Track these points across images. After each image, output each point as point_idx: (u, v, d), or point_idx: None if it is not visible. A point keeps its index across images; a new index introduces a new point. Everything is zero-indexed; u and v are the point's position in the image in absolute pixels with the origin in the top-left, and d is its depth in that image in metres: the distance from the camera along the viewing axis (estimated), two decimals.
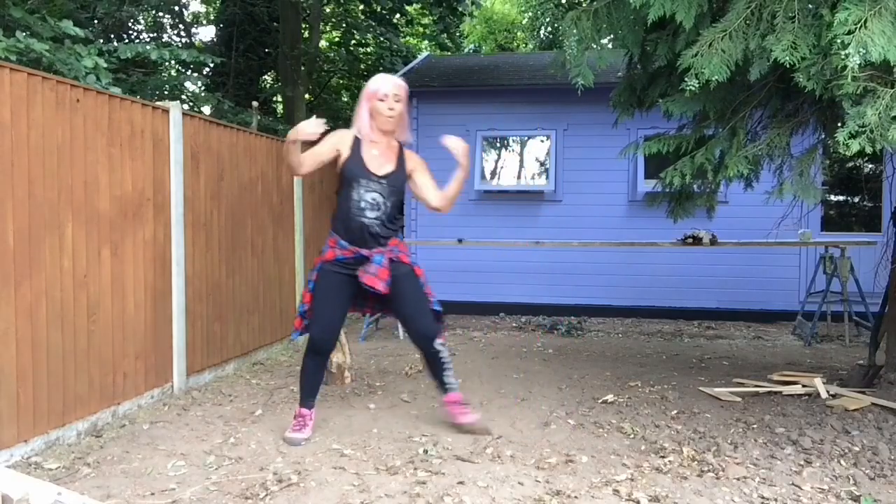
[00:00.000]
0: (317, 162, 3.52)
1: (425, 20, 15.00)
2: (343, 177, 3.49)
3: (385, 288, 3.46)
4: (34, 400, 3.31)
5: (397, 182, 3.52)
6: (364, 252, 3.46)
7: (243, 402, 4.29)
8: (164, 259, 4.33)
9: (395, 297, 3.56)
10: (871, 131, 2.67)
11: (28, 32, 5.26)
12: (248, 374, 5.06)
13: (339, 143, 3.51)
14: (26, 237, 3.27)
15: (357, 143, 3.51)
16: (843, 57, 2.57)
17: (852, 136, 2.69)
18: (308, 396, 3.61)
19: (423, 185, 3.64)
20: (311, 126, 3.28)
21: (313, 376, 3.61)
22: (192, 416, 3.99)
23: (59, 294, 3.47)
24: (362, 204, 3.44)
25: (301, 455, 3.33)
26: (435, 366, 3.65)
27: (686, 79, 2.99)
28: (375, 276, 3.44)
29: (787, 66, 2.83)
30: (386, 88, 3.44)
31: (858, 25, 2.57)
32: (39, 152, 3.35)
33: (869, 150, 2.68)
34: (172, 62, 9.52)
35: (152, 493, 2.89)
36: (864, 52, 2.54)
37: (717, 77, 2.95)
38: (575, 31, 3.42)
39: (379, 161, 3.50)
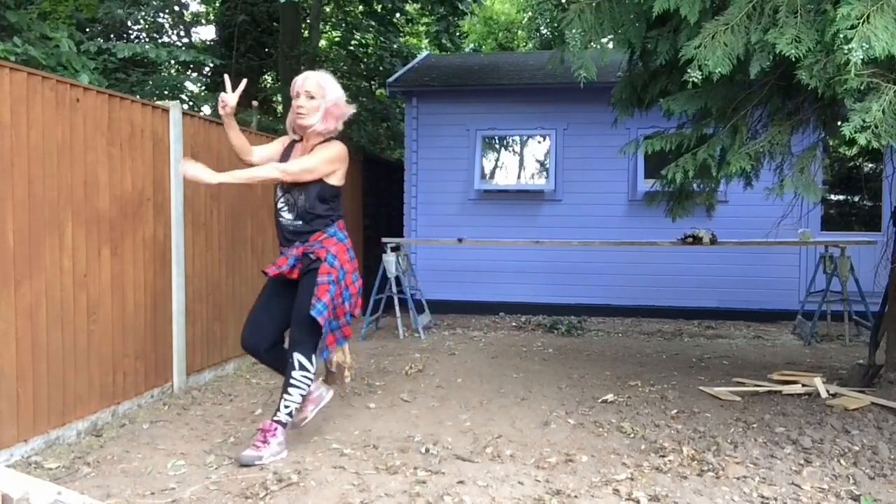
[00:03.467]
0: (263, 158, 3.49)
1: (425, 19, 14.99)
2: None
3: (275, 271, 3.36)
4: (34, 399, 3.31)
5: (299, 183, 3.36)
6: (283, 251, 3.43)
7: (243, 402, 4.29)
8: (164, 259, 4.33)
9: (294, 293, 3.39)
10: (876, 126, 2.67)
11: (23, 39, 5.26)
12: (248, 374, 5.06)
13: (277, 145, 3.55)
14: (26, 237, 3.27)
15: (291, 146, 3.52)
16: (845, 52, 2.57)
17: (858, 130, 2.69)
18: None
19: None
20: (227, 95, 3.33)
21: (273, 370, 3.56)
22: (192, 416, 3.99)
23: (59, 294, 3.47)
24: (279, 205, 3.42)
25: (301, 455, 3.33)
26: (284, 380, 3.33)
27: (689, 70, 2.98)
28: (274, 266, 3.39)
29: (792, 59, 2.83)
30: (297, 86, 3.39)
31: (861, 20, 2.58)
32: (39, 152, 3.35)
33: (875, 145, 2.68)
34: (172, 62, 9.52)
35: (152, 493, 2.89)
36: (867, 47, 2.54)
37: (719, 69, 2.95)
38: (578, 23, 3.41)
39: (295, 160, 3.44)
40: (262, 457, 3.19)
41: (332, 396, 3.68)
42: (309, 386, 3.35)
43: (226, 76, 3.51)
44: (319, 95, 3.37)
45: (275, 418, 3.31)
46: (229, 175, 3.25)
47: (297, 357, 3.28)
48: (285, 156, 3.49)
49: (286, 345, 3.41)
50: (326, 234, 3.38)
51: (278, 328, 3.48)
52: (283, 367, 3.39)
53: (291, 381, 3.28)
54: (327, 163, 3.35)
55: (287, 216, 3.40)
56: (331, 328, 3.35)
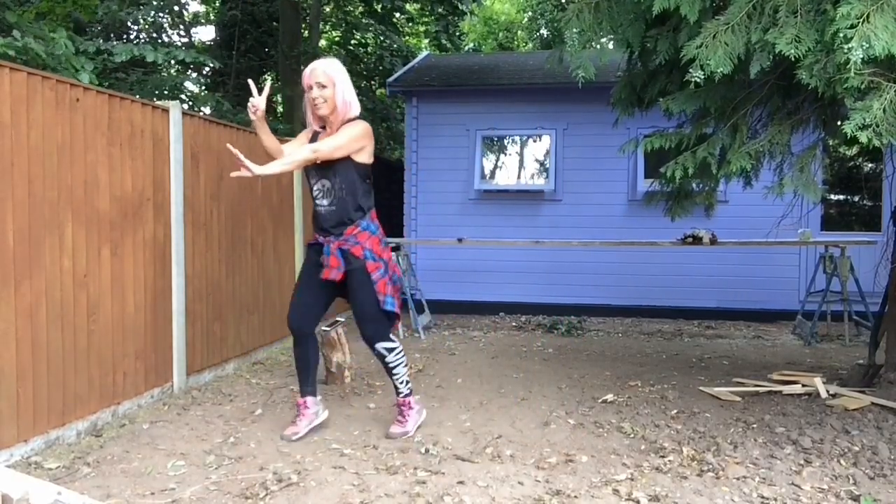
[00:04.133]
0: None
1: (425, 19, 14.99)
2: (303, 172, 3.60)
3: (337, 275, 3.45)
4: (34, 400, 3.31)
5: (333, 165, 3.45)
6: (321, 240, 3.52)
7: (243, 402, 4.29)
8: (164, 259, 4.33)
9: (347, 292, 3.55)
10: (877, 125, 2.67)
11: (22, 34, 5.24)
12: (248, 374, 5.06)
13: (303, 138, 3.64)
14: (26, 237, 3.26)
15: (314, 136, 3.61)
16: (845, 51, 2.57)
17: (859, 128, 2.69)
18: (301, 384, 3.68)
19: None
20: (256, 99, 3.42)
21: (301, 362, 3.66)
22: (192, 416, 3.99)
23: (59, 294, 3.47)
24: (315, 192, 3.53)
25: (301, 455, 3.33)
26: (384, 367, 3.64)
27: (690, 69, 2.98)
28: (326, 268, 3.46)
29: (792, 59, 2.84)
30: (306, 79, 3.48)
31: (861, 20, 2.58)
32: (39, 152, 3.34)
33: (876, 143, 2.68)
34: (172, 62, 9.51)
35: (152, 493, 2.89)
36: (867, 46, 2.54)
37: (721, 69, 2.95)
38: (576, 23, 3.41)
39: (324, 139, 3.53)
40: (409, 430, 3.60)
41: (326, 416, 3.78)
42: (404, 357, 3.64)
43: (250, 81, 3.57)
44: (330, 83, 3.45)
45: (401, 396, 3.63)
46: (272, 166, 3.29)
47: (382, 347, 3.54)
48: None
49: (357, 338, 3.62)
50: (360, 228, 3.49)
51: (322, 312, 3.67)
52: (312, 354, 3.65)
53: (391, 365, 3.57)
54: (354, 140, 3.44)
55: (323, 203, 3.49)
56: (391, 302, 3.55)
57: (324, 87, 3.44)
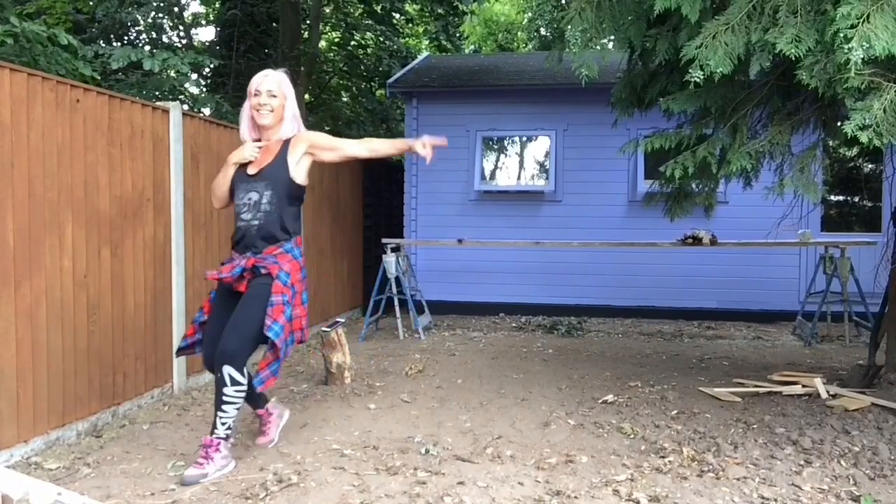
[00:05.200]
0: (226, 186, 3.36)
1: (425, 19, 15.00)
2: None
3: (229, 279, 3.16)
4: (34, 400, 3.31)
5: (273, 174, 3.23)
6: (235, 261, 3.21)
7: None
8: (164, 259, 4.33)
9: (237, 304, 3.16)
10: (878, 125, 2.67)
11: (20, 19, 5.21)
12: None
13: (234, 158, 3.33)
14: (26, 237, 3.26)
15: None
16: (845, 51, 2.57)
17: (860, 128, 2.69)
18: (252, 403, 3.46)
19: (328, 144, 3.40)
20: (249, 150, 3.28)
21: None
22: (192, 416, 3.99)
23: (59, 294, 3.46)
24: (240, 205, 3.26)
25: (301, 455, 3.33)
26: (215, 397, 3.08)
27: (690, 69, 2.98)
28: (218, 269, 3.25)
29: (792, 59, 2.84)
30: (256, 84, 3.29)
31: (861, 20, 2.58)
32: (39, 152, 3.35)
33: (877, 143, 2.69)
34: (170, 68, 9.51)
35: (152, 493, 2.88)
36: (868, 46, 2.54)
37: (721, 69, 2.95)
38: (578, 21, 3.41)
39: (259, 161, 3.30)
40: (207, 473, 3.01)
41: (289, 414, 3.61)
42: (242, 399, 3.10)
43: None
44: (281, 95, 3.30)
45: (214, 435, 3.08)
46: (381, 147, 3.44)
47: (229, 372, 3.01)
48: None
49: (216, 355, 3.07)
50: (282, 250, 3.21)
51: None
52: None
53: (224, 398, 3.03)
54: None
55: (246, 217, 3.21)
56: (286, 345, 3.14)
57: (274, 96, 3.26)
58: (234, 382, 3.02)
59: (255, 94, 3.28)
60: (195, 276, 4.64)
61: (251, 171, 3.28)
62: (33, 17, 6.18)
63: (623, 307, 7.86)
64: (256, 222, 3.19)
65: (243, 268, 3.15)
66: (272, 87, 3.28)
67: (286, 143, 3.33)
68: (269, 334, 3.05)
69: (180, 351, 3.41)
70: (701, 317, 7.71)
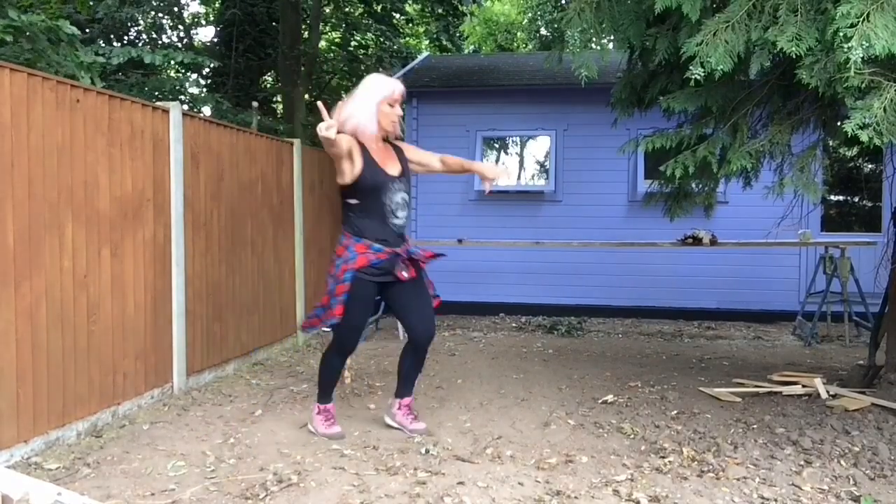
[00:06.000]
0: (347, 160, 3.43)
1: (426, 20, 15.01)
2: (365, 185, 3.39)
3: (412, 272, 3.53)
4: (34, 400, 3.31)
5: (409, 177, 3.60)
6: (398, 251, 3.49)
7: (243, 403, 4.29)
8: (164, 259, 4.33)
9: (411, 292, 3.55)
10: (878, 124, 2.67)
11: (19, 12, 5.19)
12: (248, 375, 5.06)
13: (351, 148, 3.37)
14: (26, 237, 3.26)
15: (362, 148, 3.41)
16: (845, 50, 2.57)
17: (860, 127, 2.69)
18: (330, 392, 3.71)
19: (422, 156, 3.79)
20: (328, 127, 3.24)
21: (338, 373, 3.72)
22: (192, 417, 3.99)
23: (59, 294, 3.46)
24: (393, 206, 3.46)
25: (301, 455, 3.33)
26: (418, 367, 3.68)
27: (691, 67, 2.98)
28: (405, 270, 3.50)
29: (793, 57, 2.84)
30: (396, 95, 3.44)
31: (861, 19, 2.58)
32: (39, 152, 3.34)
33: (877, 142, 2.69)
34: (171, 62, 9.51)
35: (152, 493, 2.88)
36: (867, 45, 2.54)
37: (721, 67, 2.95)
38: (578, 22, 3.41)
39: (386, 162, 3.48)
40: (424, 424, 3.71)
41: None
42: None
43: (319, 103, 3.36)
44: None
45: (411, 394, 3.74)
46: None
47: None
48: (370, 161, 3.41)
49: (414, 335, 3.59)
50: (409, 240, 3.67)
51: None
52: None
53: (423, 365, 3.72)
54: None
55: (401, 215, 3.51)
56: None
57: (402, 103, 3.53)
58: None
59: (393, 104, 3.47)
60: (195, 276, 4.64)
61: (393, 172, 3.49)
62: (27, 10, 6.16)
63: (623, 307, 7.86)
64: (406, 220, 3.57)
65: (416, 249, 3.59)
66: (403, 95, 3.51)
67: (397, 147, 3.62)
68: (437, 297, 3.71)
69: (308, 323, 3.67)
70: (701, 317, 7.70)
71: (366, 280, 3.42)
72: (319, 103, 3.34)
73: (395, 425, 3.71)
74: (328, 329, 4.76)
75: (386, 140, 3.58)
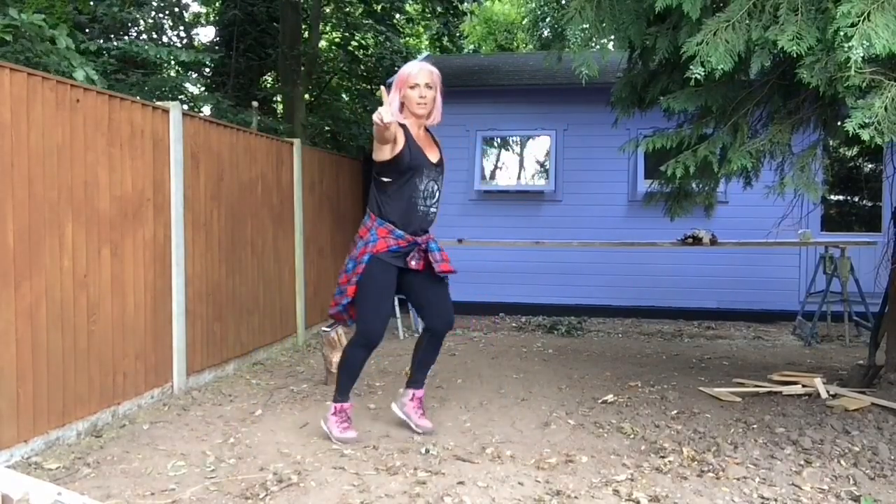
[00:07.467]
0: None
1: (426, 20, 15.00)
2: (404, 166, 3.39)
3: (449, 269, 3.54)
4: (34, 400, 3.31)
5: (443, 170, 3.59)
6: (418, 240, 3.47)
7: (243, 402, 4.29)
8: (164, 259, 4.33)
9: (432, 284, 3.56)
10: (879, 123, 2.67)
11: (18, 9, 5.17)
12: (248, 374, 5.06)
13: (396, 132, 3.38)
14: (26, 237, 3.26)
15: (406, 130, 3.45)
16: (846, 50, 2.57)
17: (861, 126, 2.69)
18: (349, 390, 3.63)
19: None
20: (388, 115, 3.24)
21: (360, 369, 3.64)
22: (192, 416, 3.99)
23: (59, 294, 3.46)
24: (424, 193, 3.46)
25: (301, 455, 3.33)
26: (433, 354, 3.71)
27: (691, 66, 2.98)
28: (443, 262, 3.51)
29: (793, 56, 2.84)
30: (413, 78, 3.44)
31: (862, 18, 2.58)
32: (39, 152, 3.34)
33: (878, 141, 2.68)
34: (172, 62, 9.51)
35: (152, 493, 2.88)
36: (868, 44, 2.54)
37: (722, 66, 2.95)
38: (578, 20, 3.41)
39: (426, 148, 3.51)
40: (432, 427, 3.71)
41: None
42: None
43: (382, 88, 3.50)
44: (434, 86, 3.47)
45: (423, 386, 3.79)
46: None
47: None
48: (412, 143, 3.43)
49: (433, 324, 3.63)
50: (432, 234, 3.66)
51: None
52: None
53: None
54: None
55: (429, 203, 3.50)
56: None
57: (430, 87, 3.45)
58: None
59: (413, 87, 3.43)
60: (195, 276, 4.64)
61: (432, 158, 3.49)
62: (31, 10, 6.15)
63: (623, 307, 7.86)
64: (434, 209, 3.54)
65: (435, 245, 3.53)
66: (428, 79, 3.44)
67: (433, 135, 3.61)
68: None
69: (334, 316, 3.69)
70: (701, 317, 7.70)
71: (384, 262, 3.43)
72: (382, 88, 3.52)
73: (402, 416, 3.71)
74: (328, 329, 4.78)
75: (427, 131, 3.61)
